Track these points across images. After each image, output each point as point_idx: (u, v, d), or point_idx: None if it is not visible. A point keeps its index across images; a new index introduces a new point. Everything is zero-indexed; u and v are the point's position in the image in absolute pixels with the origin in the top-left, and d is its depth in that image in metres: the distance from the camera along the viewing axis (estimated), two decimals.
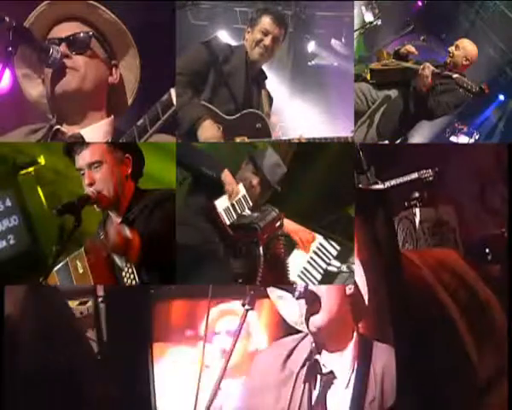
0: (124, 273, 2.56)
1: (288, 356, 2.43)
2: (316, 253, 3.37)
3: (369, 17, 4.92)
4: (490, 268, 3.24)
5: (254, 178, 3.17)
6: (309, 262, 3.32)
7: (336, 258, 3.38)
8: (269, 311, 2.87)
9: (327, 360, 2.36)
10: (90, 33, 2.64)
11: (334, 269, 3.33)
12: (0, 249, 3.56)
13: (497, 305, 2.55)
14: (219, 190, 3.02)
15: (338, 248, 3.41)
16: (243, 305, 2.29)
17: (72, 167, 2.65)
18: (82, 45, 2.62)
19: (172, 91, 2.32)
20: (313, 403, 2.31)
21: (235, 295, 2.76)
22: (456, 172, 3.92)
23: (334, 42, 5.33)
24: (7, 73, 2.60)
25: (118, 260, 2.56)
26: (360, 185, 3.58)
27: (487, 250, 3.59)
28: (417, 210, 4.01)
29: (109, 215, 2.68)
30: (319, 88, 5.23)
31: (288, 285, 2.70)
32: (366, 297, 2.39)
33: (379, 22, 4.79)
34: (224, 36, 4.67)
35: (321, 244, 3.41)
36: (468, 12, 4.95)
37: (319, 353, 2.37)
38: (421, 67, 3.64)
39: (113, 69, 2.73)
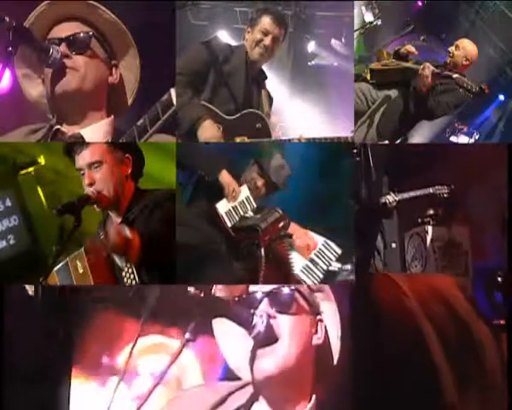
0: (124, 273, 2.56)
1: (219, 404, 1.99)
2: (316, 255, 3.38)
3: (369, 17, 4.91)
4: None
5: (259, 180, 3.19)
6: (311, 261, 3.33)
7: (337, 260, 3.39)
8: (209, 348, 2.51)
9: None
10: (90, 33, 2.64)
11: (335, 269, 3.35)
12: (0, 249, 3.56)
13: (493, 346, 2.26)
14: (220, 192, 3.03)
15: (338, 252, 3.42)
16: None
17: (72, 167, 2.66)
18: (82, 45, 2.62)
19: (172, 91, 2.32)
20: None
21: (174, 325, 2.51)
22: (474, 193, 3.69)
23: (334, 42, 5.32)
24: (7, 73, 2.60)
25: (118, 260, 2.56)
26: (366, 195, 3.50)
27: (499, 279, 3.41)
28: (430, 228, 3.84)
29: (109, 215, 2.68)
30: (319, 88, 5.23)
31: (287, 282, 2.68)
32: (336, 356, 1.97)
33: (379, 22, 4.78)
34: (224, 36, 4.66)
35: (320, 249, 3.42)
36: (468, 12, 4.94)
37: (256, 402, 1.94)
38: (421, 67, 3.63)
39: (113, 69, 2.74)
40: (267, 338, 1.87)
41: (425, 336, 2.10)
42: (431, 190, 3.86)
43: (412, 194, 3.84)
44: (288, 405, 1.93)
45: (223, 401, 1.99)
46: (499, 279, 2.95)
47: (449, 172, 3.82)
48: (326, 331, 1.96)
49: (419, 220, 3.96)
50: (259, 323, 1.86)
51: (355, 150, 3.45)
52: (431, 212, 3.94)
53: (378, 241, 3.77)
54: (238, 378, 2.07)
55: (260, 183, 3.20)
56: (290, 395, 1.93)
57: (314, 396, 1.94)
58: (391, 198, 3.72)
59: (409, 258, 3.71)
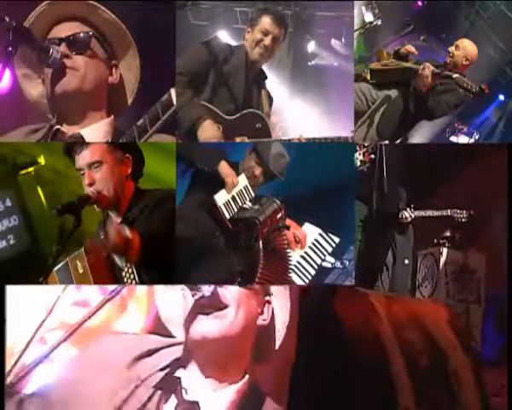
0: (124, 273, 2.56)
1: (143, 356, 1.94)
2: (311, 248, 3.38)
3: (369, 17, 4.91)
4: None
5: (257, 168, 3.19)
6: (303, 257, 3.34)
7: (331, 254, 3.40)
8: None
9: (194, 386, 1.84)
10: (90, 33, 2.64)
11: (329, 265, 3.35)
12: (0, 249, 3.56)
13: (472, 379, 2.13)
14: (219, 183, 3.03)
15: (333, 244, 3.43)
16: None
17: (72, 167, 2.66)
18: (82, 45, 2.62)
19: (172, 91, 2.32)
20: None
21: None
22: (493, 221, 3.60)
23: (334, 42, 5.32)
24: (7, 73, 2.60)
25: (118, 260, 2.56)
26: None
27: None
28: (445, 250, 3.70)
29: (109, 215, 2.68)
30: (319, 88, 5.22)
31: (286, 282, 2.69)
32: (279, 341, 1.93)
33: (379, 22, 4.78)
34: (224, 36, 4.66)
35: (316, 240, 3.42)
36: (468, 12, 4.94)
37: (184, 367, 1.88)
38: (421, 67, 3.63)
39: (113, 69, 2.73)
40: (213, 305, 1.85)
41: (388, 356, 2.01)
42: (449, 213, 3.80)
43: (429, 213, 3.79)
44: (220, 374, 1.89)
45: (150, 354, 1.94)
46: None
47: (470, 198, 3.76)
48: (273, 315, 1.94)
49: (435, 241, 3.88)
50: (206, 289, 1.85)
51: (372, 155, 3.42)
52: (448, 234, 3.86)
53: (388, 256, 3.73)
54: (171, 336, 2.02)
55: (258, 171, 3.20)
56: (225, 364, 1.89)
57: (248, 375, 1.90)
58: (407, 214, 3.70)
59: (420, 278, 3.63)
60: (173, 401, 1.82)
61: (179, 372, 1.87)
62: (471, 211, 3.78)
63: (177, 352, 1.94)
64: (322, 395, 1.87)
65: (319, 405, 1.89)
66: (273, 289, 1.99)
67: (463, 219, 3.77)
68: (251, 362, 1.90)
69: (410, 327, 2.08)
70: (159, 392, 1.82)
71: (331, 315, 2.01)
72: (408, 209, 3.72)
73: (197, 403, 1.80)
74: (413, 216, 3.72)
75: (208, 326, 1.85)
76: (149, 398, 1.80)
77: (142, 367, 1.89)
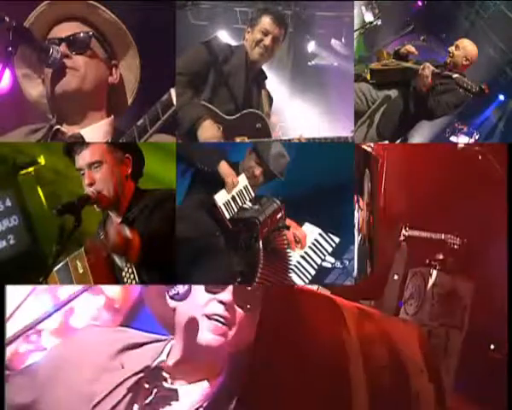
0: (124, 273, 2.56)
1: (127, 349, 1.93)
2: (311, 248, 3.38)
3: (369, 17, 4.92)
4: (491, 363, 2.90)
5: (257, 168, 3.19)
6: (303, 257, 3.34)
7: (331, 254, 3.40)
8: None
9: (175, 376, 1.86)
10: (90, 33, 2.64)
11: (329, 265, 3.35)
12: (0, 249, 3.56)
13: (432, 406, 2.03)
14: (219, 183, 3.03)
15: (333, 244, 3.43)
16: None
17: (72, 167, 2.65)
18: (82, 45, 2.61)
19: (172, 91, 2.32)
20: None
21: None
22: (486, 252, 3.59)
23: (334, 42, 5.33)
24: (7, 73, 2.59)
25: (118, 260, 2.56)
26: None
27: (492, 346, 3.22)
28: (435, 272, 3.68)
29: (109, 215, 2.68)
30: (319, 88, 5.24)
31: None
32: None
33: (379, 22, 4.79)
34: (224, 36, 4.67)
35: (316, 240, 3.43)
36: (468, 12, 4.95)
37: (166, 359, 1.89)
38: (421, 67, 3.64)
39: (113, 69, 2.73)
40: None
41: (349, 367, 1.92)
42: (443, 237, 3.82)
43: (423, 234, 3.82)
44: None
45: (134, 347, 1.94)
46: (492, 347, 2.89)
47: (467, 226, 3.75)
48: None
49: (427, 261, 3.87)
50: (180, 288, 1.85)
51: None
52: (440, 257, 3.84)
53: None
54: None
55: (258, 171, 3.19)
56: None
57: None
58: (402, 231, 3.70)
59: (407, 294, 3.63)
60: (153, 389, 1.83)
61: (161, 363, 1.89)
62: (465, 239, 3.80)
63: (160, 347, 1.94)
64: (276, 395, 1.80)
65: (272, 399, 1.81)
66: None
67: (455, 246, 3.79)
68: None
69: (377, 343, 2.02)
70: (141, 380, 1.84)
71: (296, 317, 1.92)
72: (402, 228, 3.73)
73: (176, 391, 1.83)
74: (407, 235, 3.72)
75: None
76: (131, 386, 1.83)
77: (125, 357, 1.91)
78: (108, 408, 1.80)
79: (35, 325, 1.95)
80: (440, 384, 2.10)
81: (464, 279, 3.55)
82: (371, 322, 2.09)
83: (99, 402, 1.80)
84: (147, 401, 1.81)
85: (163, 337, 1.98)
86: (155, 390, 1.83)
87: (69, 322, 2.46)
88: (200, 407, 1.81)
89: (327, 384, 1.83)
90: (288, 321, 1.86)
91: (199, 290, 1.85)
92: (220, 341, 1.80)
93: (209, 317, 1.81)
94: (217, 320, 1.80)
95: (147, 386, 1.83)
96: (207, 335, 1.80)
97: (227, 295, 1.82)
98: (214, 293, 1.82)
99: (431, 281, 3.55)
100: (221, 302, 1.81)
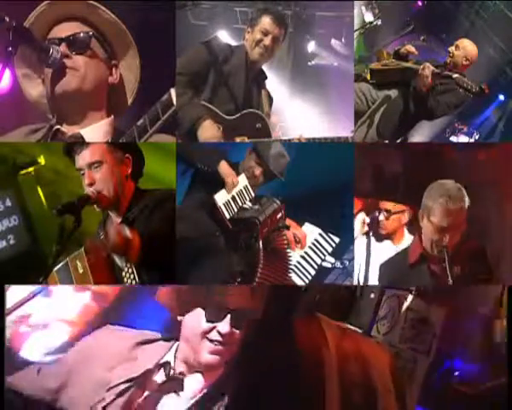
0: (124, 273, 2.56)
1: (141, 344, 2.19)
2: (311, 248, 3.38)
3: (369, 17, 4.91)
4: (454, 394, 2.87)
5: (257, 168, 3.19)
6: (303, 257, 3.34)
7: (331, 254, 3.40)
8: None
9: (181, 367, 2.11)
10: (90, 33, 2.64)
11: (329, 265, 3.35)
12: (0, 249, 3.56)
13: None
14: (219, 183, 3.03)
15: (333, 244, 3.43)
16: None
17: (72, 167, 2.66)
18: (82, 45, 2.62)
19: (172, 91, 2.32)
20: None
21: None
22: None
23: (334, 42, 5.32)
24: (7, 73, 2.60)
25: (118, 260, 2.56)
26: None
27: (456, 373, 3.24)
28: (410, 296, 3.54)
29: (109, 215, 2.68)
30: (319, 88, 5.22)
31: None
32: None
33: (379, 22, 4.78)
34: (224, 36, 4.65)
35: (316, 240, 3.43)
36: (468, 12, 4.94)
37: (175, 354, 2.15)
38: (421, 67, 3.63)
39: (113, 69, 2.74)
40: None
41: (325, 380, 2.08)
42: None
43: None
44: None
45: (147, 343, 2.19)
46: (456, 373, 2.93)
47: None
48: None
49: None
50: None
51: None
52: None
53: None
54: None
55: (258, 171, 3.20)
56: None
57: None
58: None
59: (381, 314, 3.61)
60: (162, 377, 2.09)
61: (170, 358, 2.13)
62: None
63: (168, 345, 2.17)
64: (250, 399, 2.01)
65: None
66: None
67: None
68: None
69: (353, 361, 2.16)
70: (151, 370, 2.09)
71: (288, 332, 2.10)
72: None
73: (182, 380, 2.07)
74: None
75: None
76: (142, 374, 2.07)
77: (140, 351, 2.16)
78: (120, 390, 2.06)
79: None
80: (404, 404, 2.25)
81: (438, 306, 3.51)
82: (350, 341, 2.24)
83: (113, 387, 2.07)
84: (155, 388, 2.06)
85: (169, 337, 2.21)
86: (163, 379, 2.08)
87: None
88: (203, 394, 2.05)
89: (303, 394, 2.01)
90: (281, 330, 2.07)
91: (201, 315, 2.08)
92: (218, 359, 2.05)
93: (210, 340, 2.05)
94: (216, 345, 2.05)
95: (156, 376, 2.08)
96: (207, 356, 2.05)
97: (225, 326, 2.04)
98: (214, 322, 2.05)
99: (405, 305, 3.52)
100: (219, 333, 2.04)
